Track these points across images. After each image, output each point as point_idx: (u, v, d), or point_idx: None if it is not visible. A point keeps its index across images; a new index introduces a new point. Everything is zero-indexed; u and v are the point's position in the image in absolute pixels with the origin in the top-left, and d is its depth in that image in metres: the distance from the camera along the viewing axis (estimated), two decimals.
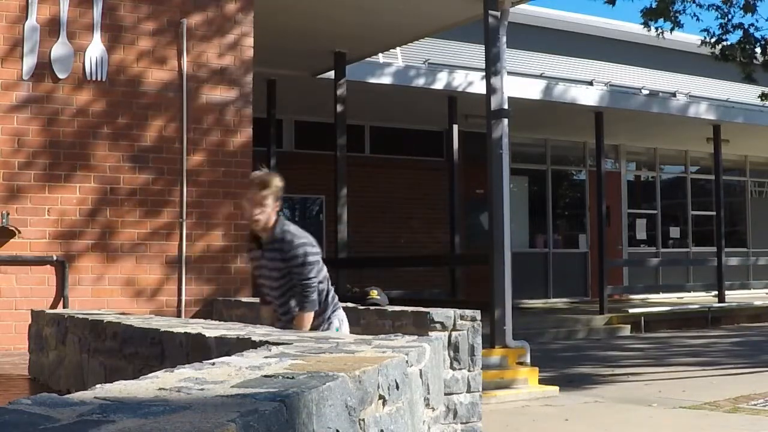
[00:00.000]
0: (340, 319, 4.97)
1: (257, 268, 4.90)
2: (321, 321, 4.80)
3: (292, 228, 4.79)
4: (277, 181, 4.74)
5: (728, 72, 15.84)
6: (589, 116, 15.42)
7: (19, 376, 6.22)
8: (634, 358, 11.47)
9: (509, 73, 10.16)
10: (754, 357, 11.20)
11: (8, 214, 7.46)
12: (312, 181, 15.37)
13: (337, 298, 4.99)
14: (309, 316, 4.69)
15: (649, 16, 12.87)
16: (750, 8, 12.69)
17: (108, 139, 7.90)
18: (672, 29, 13.03)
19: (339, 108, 11.98)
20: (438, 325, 5.58)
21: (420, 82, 13.89)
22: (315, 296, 4.71)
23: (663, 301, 17.81)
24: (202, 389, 1.90)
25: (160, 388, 1.91)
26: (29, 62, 7.63)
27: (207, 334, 3.74)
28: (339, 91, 11.94)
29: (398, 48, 13.74)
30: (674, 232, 20.57)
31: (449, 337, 5.60)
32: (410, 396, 2.65)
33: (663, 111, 16.49)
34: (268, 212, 4.68)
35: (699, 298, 18.09)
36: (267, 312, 5.05)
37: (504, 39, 9.31)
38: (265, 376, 2.11)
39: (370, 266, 13.85)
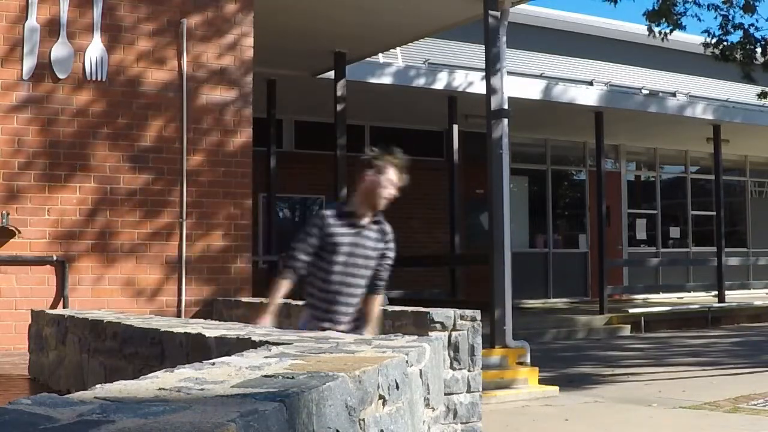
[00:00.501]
0: None
1: (348, 244, 4.53)
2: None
3: None
4: None
5: (728, 72, 15.83)
6: (589, 116, 15.41)
7: (19, 376, 6.22)
8: (634, 358, 11.47)
9: (509, 73, 10.16)
10: (754, 357, 11.20)
11: (8, 214, 7.46)
12: (312, 181, 15.37)
13: None
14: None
15: (652, 18, 12.88)
16: (750, 8, 12.70)
17: (108, 139, 7.90)
18: (671, 30, 13.04)
19: (339, 108, 11.98)
20: (438, 325, 5.58)
21: (420, 82, 13.89)
22: None
23: (663, 301, 17.81)
24: (202, 389, 1.90)
25: (160, 388, 1.91)
26: (29, 62, 7.63)
27: (207, 334, 3.74)
28: (339, 91, 11.95)
29: (398, 48, 13.74)
30: (674, 232, 20.57)
31: (449, 337, 5.60)
32: (410, 396, 2.65)
33: (663, 111, 16.49)
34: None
35: (699, 298, 18.09)
36: (286, 289, 4.60)
37: (504, 39, 9.31)
38: (265, 376, 2.11)
39: None
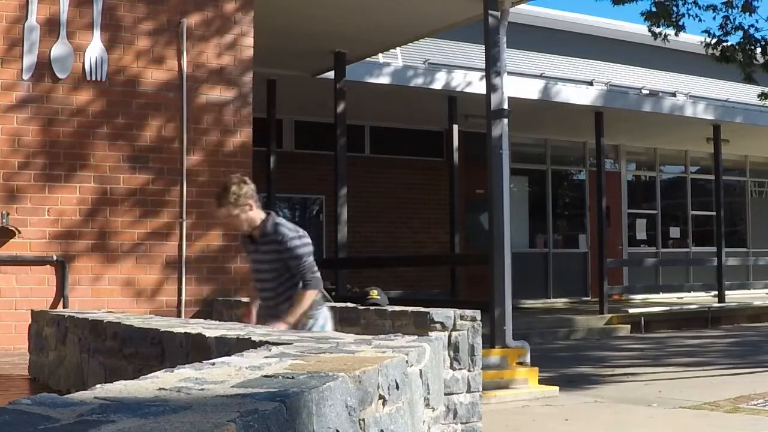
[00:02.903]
0: (324, 317, 5.16)
1: (252, 261, 5.36)
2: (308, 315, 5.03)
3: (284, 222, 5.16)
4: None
5: (728, 72, 15.82)
6: (589, 116, 15.41)
7: (19, 376, 6.22)
8: (633, 358, 11.46)
9: (509, 73, 10.16)
10: (753, 357, 11.20)
11: (8, 214, 7.46)
12: (312, 181, 15.37)
13: (321, 296, 5.21)
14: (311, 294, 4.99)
15: (651, 19, 12.87)
16: (749, 8, 12.69)
17: (107, 139, 7.90)
18: (677, 33, 13.05)
19: (339, 108, 11.98)
20: (438, 325, 5.57)
21: (419, 82, 13.89)
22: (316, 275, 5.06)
23: (663, 301, 17.81)
24: (202, 389, 1.90)
25: (160, 388, 1.90)
26: (29, 62, 7.63)
27: (207, 334, 3.74)
28: (339, 92, 11.94)
29: (398, 48, 13.74)
30: (674, 232, 20.57)
31: (449, 337, 5.60)
32: (410, 396, 2.65)
33: (663, 111, 16.49)
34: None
35: (699, 298, 18.08)
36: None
37: (504, 39, 9.30)
38: (265, 376, 2.11)
39: (370, 266, 13.85)
